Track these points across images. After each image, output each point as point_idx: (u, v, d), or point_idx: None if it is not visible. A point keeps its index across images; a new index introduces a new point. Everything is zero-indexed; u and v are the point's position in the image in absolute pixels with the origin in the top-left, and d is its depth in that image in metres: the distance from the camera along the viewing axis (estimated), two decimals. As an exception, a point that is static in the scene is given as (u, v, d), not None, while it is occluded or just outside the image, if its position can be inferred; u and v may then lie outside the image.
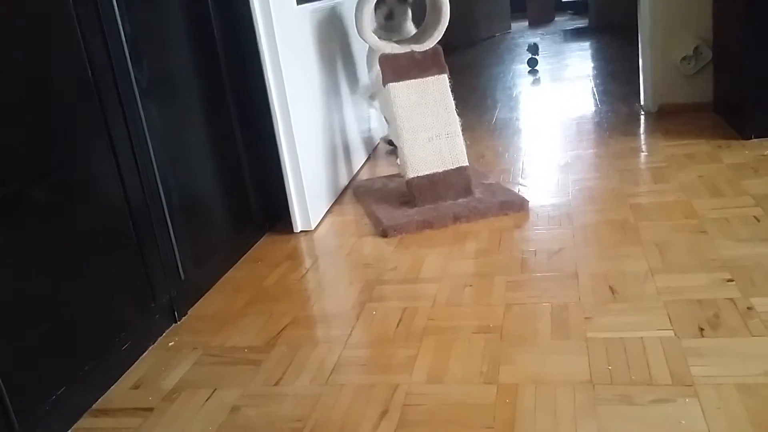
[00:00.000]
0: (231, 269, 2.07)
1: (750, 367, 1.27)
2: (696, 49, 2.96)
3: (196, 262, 1.88)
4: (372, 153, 3.16)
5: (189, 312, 1.81)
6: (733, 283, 1.57)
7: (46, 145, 1.38)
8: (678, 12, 2.97)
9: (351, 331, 1.61)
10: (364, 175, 2.84)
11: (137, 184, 1.64)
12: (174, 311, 1.76)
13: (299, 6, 2.32)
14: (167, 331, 1.72)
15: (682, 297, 1.54)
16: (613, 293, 1.61)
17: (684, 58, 2.99)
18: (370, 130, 3.17)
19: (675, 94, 3.08)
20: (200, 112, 1.98)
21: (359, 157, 2.94)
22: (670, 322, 1.45)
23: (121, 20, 1.59)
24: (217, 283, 1.98)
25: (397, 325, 1.60)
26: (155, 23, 1.78)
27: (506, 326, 1.53)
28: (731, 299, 1.50)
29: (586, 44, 5.76)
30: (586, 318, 1.51)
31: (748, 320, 1.41)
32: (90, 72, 1.50)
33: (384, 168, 2.91)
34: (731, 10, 2.68)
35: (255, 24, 2.05)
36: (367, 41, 2.39)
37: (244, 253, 2.17)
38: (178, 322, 1.76)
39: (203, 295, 1.91)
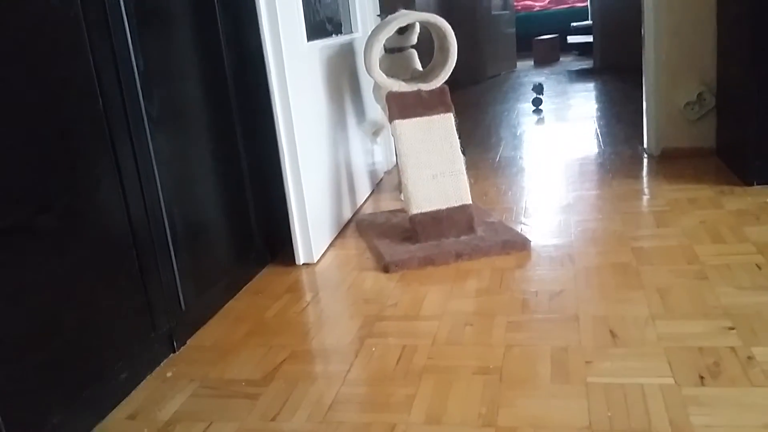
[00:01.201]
0: (231, 300, 2.07)
1: (750, 417, 1.26)
2: (700, 95, 3.00)
3: (197, 291, 1.88)
4: (376, 187, 3.18)
5: (188, 342, 1.81)
6: (734, 331, 1.56)
7: (53, 173, 1.40)
8: (682, 57, 3.02)
9: (350, 368, 1.60)
10: (368, 209, 2.86)
11: (142, 214, 1.65)
12: (173, 341, 1.75)
13: (309, 42, 2.37)
14: (165, 360, 1.72)
15: (682, 344, 1.54)
16: (613, 337, 1.60)
17: (688, 104, 3.03)
18: (374, 164, 3.20)
19: (678, 138, 3.11)
20: (208, 143, 2.00)
21: (363, 191, 2.96)
22: (671, 369, 1.44)
23: (134, 53, 1.63)
24: (217, 314, 1.98)
25: (397, 363, 1.60)
26: (168, 56, 1.81)
27: (506, 368, 1.52)
28: (732, 348, 1.50)
29: (591, 85, 5.82)
30: (586, 362, 1.51)
31: (749, 370, 1.41)
32: (101, 102, 1.52)
33: (387, 203, 2.92)
34: (736, 57, 2.72)
35: (265, 59, 2.09)
36: (375, 79, 2.42)
37: (246, 284, 2.17)
38: (177, 352, 1.76)
39: (203, 325, 1.90)
